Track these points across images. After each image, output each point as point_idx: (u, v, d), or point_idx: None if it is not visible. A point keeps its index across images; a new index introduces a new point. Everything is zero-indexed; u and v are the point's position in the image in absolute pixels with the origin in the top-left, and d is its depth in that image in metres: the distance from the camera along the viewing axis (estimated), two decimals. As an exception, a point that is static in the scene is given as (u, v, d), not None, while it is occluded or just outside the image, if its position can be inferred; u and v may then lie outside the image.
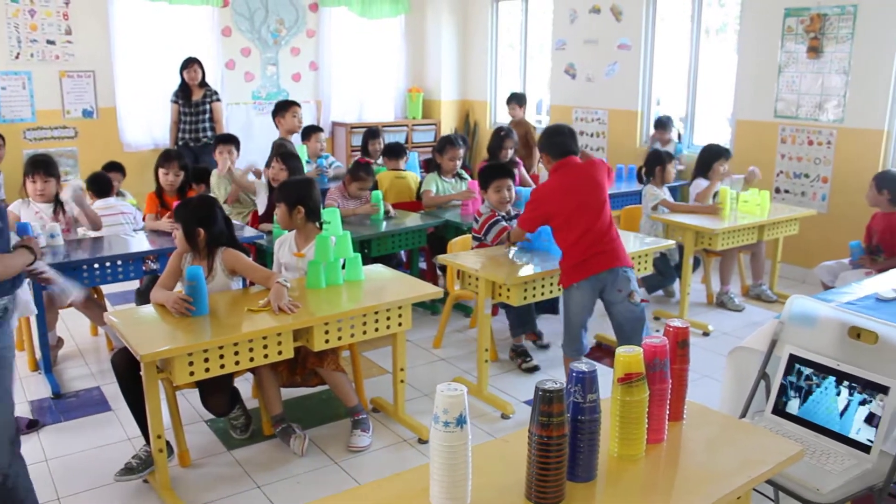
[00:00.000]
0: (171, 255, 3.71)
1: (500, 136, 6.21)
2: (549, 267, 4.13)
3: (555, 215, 3.95)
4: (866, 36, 6.05)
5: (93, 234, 4.79)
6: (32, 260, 2.82)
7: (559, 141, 4.02)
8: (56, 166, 4.81)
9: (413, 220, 5.57)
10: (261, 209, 5.42)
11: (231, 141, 6.01)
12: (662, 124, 7.49)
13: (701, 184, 5.86)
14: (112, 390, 4.35)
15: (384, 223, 5.40)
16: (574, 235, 3.89)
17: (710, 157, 5.86)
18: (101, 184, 5.28)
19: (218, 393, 3.63)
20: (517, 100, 8.04)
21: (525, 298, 4.12)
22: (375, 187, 5.74)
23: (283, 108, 6.20)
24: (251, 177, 5.87)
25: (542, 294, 4.19)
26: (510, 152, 6.18)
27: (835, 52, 6.25)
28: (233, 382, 3.74)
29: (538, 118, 9.52)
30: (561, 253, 3.99)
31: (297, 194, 3.96)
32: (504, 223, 4.69)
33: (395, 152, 6.48)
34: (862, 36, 6.08)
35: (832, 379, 2.65)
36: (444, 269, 5.87)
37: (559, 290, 4.26)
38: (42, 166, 4.68)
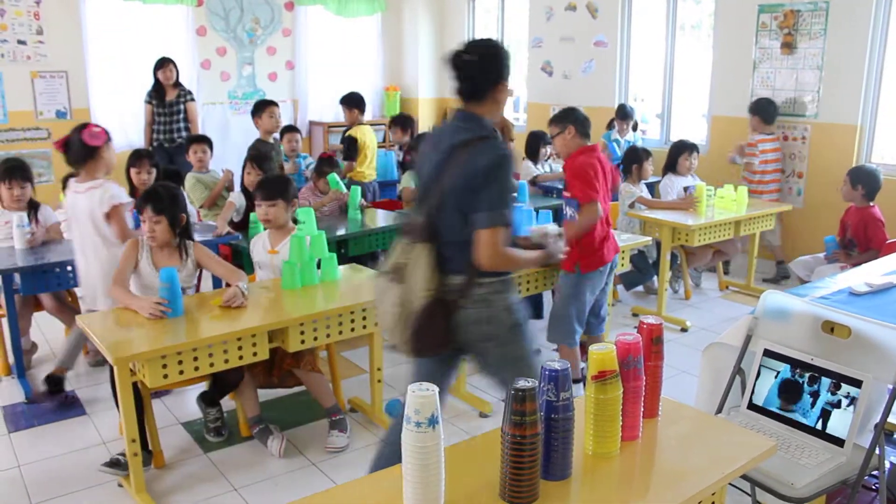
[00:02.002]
0: (125, 248, 3.62)
1: None
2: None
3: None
4: (839, 32, 6.10)
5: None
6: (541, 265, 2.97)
7: (588, 125, 4.06)
8: (31, 171, 4.75)
9: (390, 218, 5.55)
10: (237, 216, 5.34)
11: (204, 141, 5.96)
12: (626, 114, 7.45)
13: (672, 179, 5.88)
14: (86, 394, 4.31)
15: (361, 221, 5.37)
16: (602, 219, 3.98)
17: (676, 153, 5.91)
18: (74, 184, 5.22)
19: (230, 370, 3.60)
20: None
21: (502, 296, 4.11)
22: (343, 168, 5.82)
23: (260, 109, 6.17)
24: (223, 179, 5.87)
25: (520, 292, 4.18)
26: None
27: (808, 48, 6.30)
28: None
29: (515, 115, 9.52)
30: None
31: (276, 189, 3.99)
32: None
33: (360, 103, 6.70)
34: (834, 32, 6.13)
35: (806, 373, 2.66)
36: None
37: (536, 288, 4.27)
38: (18, 172, 4.61)
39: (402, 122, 7.29)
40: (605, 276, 4.12)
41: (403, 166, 6.89)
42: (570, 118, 4.00)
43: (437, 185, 2.65)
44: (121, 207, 3.89)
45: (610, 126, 7.62)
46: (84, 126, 3.86)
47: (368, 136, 6.61)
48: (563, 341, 4.12)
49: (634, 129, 7.61)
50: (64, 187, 5.15)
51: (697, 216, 5.46)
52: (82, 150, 3.83)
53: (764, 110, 6.40)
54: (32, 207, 4.66)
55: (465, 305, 2.65)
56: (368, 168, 6.64)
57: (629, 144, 6.87)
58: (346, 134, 6.73)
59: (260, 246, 4.04)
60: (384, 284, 2.73)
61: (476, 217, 2.56)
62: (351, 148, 6.60)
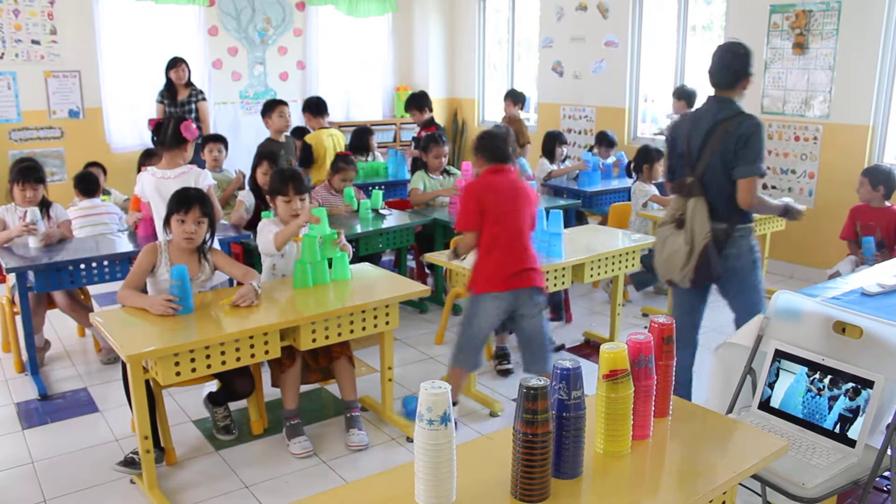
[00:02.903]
0: (141, 252, 3.60)
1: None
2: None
3: (488, 212, 3.60)
4: (851, 32, 6.08)
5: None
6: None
7: (496, 145, 3.73)
8: (44, 172, 4.79)
9: (401, 218, 5.56)
10: (248, 215, 5.35)
11: (220, 140, 5.99)
12: (609, 143, 7.25)
13: None
14: (99, 391, 4.34)
15: (372, 221, 5.38)
16: (505, 241, 3.62)
17: None
18: (89, 183, 5.23)
19: (244, 375, 3.67)
20: (513, 97, 7.96)
21: (513, 296, 4.11)
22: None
23: (270, 109, 6.18)
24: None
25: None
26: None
27: (820, 48, 6.28)
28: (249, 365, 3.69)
29: (526, 115, 9.50)
30: (481, 255, 3.68)
31: (304, 183, 4.01)
32: None
33: (319, 108, 6.65)
34: (846, 32, 6.10)
35: (817, 373, 2.66)
36: (432, 267, 5.87)
37: (561, 284, 4.33)
38: (32, 174, 4.65)
39: (418, 101, 7.22)
40: (507, 307, 3.67)
41: (414, 164, 6.87)
42: (477, 149, 3.77)
43: (704, 151, 3.50)
44: (212, 190, 4.22)
45: (590, 150, 7.50)
46: (183, 119, 4.24)
47: (326, 142, 6.51)
48: (459, 363, 3.77)
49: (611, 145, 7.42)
50: (80, 189, 5.19)
51: None
52: (174, 138, 4.21)
53: (689, 95, 6.96)
54: (44, 205, 4.70)
55: (728, 245, 3.53)
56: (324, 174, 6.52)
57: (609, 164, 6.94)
58: (303, 140, 6.63)
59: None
60: (667, 232, 3.62)
61: (737, 170, 3.41)
62: (306, 155, 6.53)
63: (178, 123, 4.20)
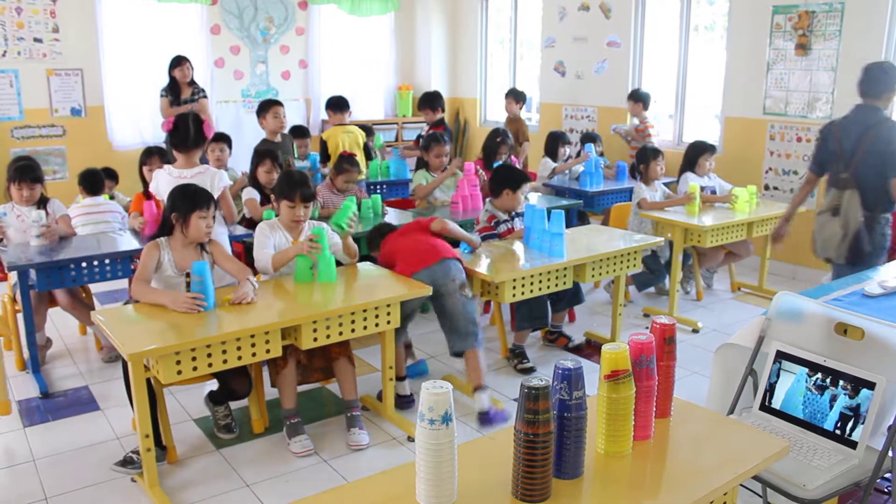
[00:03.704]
0: (145, 249, 3.61)
1: (495, 140, 6.17)
2: (538, 264, 4.15)
3: (391, 256, 4.15)
4: (853, 33, 6.07)
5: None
6: None
7: (379, 231, 4.43)
8: (41, 171, 4.78)
9: (402, 217, 5.55)
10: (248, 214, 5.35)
11: (222, 139, 5.98)
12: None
13: (688, 178, 5.87)
14: (100, 390, 4.35)
15: (372, 220, 5.37)
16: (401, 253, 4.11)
17: (696, 153, 5.89)
18: (94, 181, 5.22)
19: (241, 376, 3.68)
20: (514, 95, 7.98)
21: (514, 296, 4.12)
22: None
23: (264, 110, 6.17)
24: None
25: (532, 291, 4.19)
26: (504, 157, 6.15)
27: (823, 49, 6.28)
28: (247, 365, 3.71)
29: (528, 115, 9.51)
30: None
31: (312, 191, 4.00)
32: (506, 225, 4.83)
33: (339, 105, 6.82)
34: (849, 33, 6.10)
35: (818, 375, 2.66)
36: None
37: (563, 285, 4.34)
38: (28, 173, 4.64)
39: (431, 101, 7.31)
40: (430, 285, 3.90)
41: (418, 165, 6.87)
42: (371, 246, 4.43)
43: (857, 151, 4.28)
44: (227, 190, 4.34)
45: (578, 153, 7.38)
46: (200, 119, 4.21)
47: (339, 139, 6.62)
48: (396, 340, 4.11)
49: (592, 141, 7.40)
50: (84, 187, 5.18)
51: (689, 215, 5.41)
52: (196, 137, 4.22)
53: (645, 98, 7.36)
54: (42, 202, 4.68)
55: (872, 229, 4.30)
56: None
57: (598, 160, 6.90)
58: (319, 137, 6.80)
59: (283, 238, 3.98)
60: (825, 219, 4.44)
61: (890, 170, 4.20)
62: (322, 151, 6.67)
63: (198, 123, 4.16)
